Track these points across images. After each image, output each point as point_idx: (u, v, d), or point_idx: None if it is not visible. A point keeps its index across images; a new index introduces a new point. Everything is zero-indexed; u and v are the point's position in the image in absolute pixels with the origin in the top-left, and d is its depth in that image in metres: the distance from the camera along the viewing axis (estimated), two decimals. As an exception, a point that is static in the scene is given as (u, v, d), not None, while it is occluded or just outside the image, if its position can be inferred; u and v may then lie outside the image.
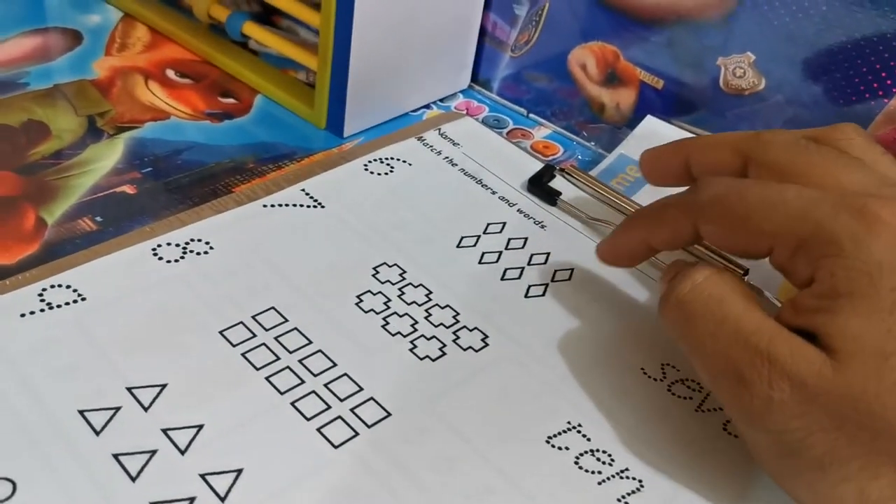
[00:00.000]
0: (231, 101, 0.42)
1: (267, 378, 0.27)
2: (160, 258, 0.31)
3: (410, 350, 0.29)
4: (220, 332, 0.28)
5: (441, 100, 0.45)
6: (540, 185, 0.37)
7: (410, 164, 0.38)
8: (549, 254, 0.33)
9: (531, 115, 0.45)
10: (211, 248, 0.31)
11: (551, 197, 0.36)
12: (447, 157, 0.38)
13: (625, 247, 0.29)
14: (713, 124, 0.41)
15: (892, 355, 0.21)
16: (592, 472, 0.25)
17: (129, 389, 0.26)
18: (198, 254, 0.31)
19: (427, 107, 0.45)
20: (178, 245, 0.31)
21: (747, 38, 0.38)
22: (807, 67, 0.37)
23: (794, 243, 0.23)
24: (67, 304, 0.28)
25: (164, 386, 0.26)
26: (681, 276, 0.25)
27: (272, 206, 0.34)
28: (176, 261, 0.31)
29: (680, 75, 0.40)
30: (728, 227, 0.25)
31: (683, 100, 0.41)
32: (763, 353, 0.22)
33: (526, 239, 0.34)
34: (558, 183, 0.37)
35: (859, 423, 0.21)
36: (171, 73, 0.43)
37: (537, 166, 0.38)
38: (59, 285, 0.29)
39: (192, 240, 0.32)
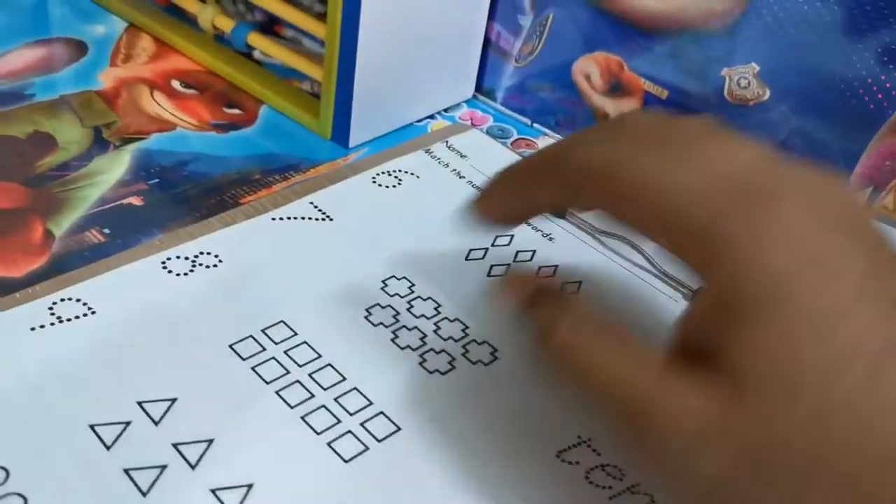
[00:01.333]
0: (236, 111, 0.42)
1: (277, 392, 0.27)
2: (170, 271, 0.31)
3: (420, 364, 0.29)
4: (230, 346, 0.28)
5: (445, 109, 0.45)
6: (546, 197, 0.37)
7: (418, 177, 0.38)
8: (556, 266, 0.34)
9: (535, 125, 0.45)
10: (220, 261, 0.31)
11: (558, 208, 0.36)
12: (455, 170, 0.38)
13: (501, 207, 0.24)
14: (718, 134, 0.41)
15: (796, 385, 0.18)
16: (603, 487, 0.25)
17: (139, 403, 0.26)
18: (207, 267, 0.31)
19: (431, 117, 0.45)
20: (187, 258, 0.31)
21: (751, 49, 0.38)
22: (811, 78, 0.37)
23: (683, 237, 0.20)
24: (78, 317, 0.28)
25: (174, 400, 0.26)
26: (544, 331, 0.22)
27: (281, 219, 0.34)
28: (186, 274, 0.31)
29: (684, 85, 0.41)
30: (610, 205, 0.21)
31: (688, 110, 0.41)
32: (647, 409, 0.19)
33: (534, 252, 0.34)
34: (564, 194, 0.37)
35: (772, 467, 0.18)
36: (176, 84, 0.43)
37: (543, 177, 0.38)
38: (70, 299, 0.29)
39: (202, 253, 0.32)
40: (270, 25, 0.46)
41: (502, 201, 0.24)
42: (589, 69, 0.43)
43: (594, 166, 0.21)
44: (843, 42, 0.36)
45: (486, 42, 0.45)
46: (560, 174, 0.22)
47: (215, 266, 0.31)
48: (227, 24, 0.44)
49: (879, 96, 0.36)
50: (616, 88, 0.43)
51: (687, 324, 0.21)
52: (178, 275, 0.31)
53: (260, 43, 0.43)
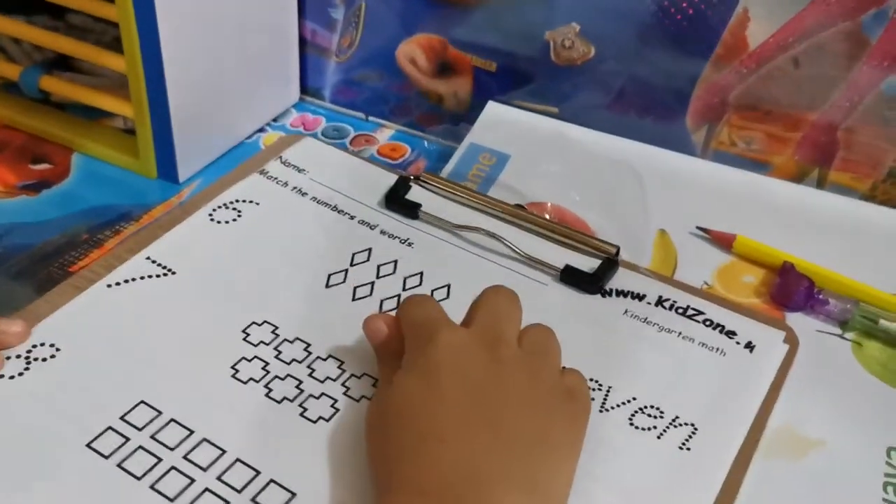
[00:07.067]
0: (45, 166, 0.38)
1: (152, 486, 0.25)
2: (1, 375, 0.27)
3: (301, 415, 0.27)
4: (88, 445, 0.25)
5: (274, 119, 0.43)
6: (398, 200, 0.35)
7: (258, 204, 0.35)
8: (422, 273, 0.32)
9: (370, 118, 0.44)
10: (58, 350, 0.28)
11: (412, 210, 0.35)
12: (295, 188, 0.36)
13: None
14: (552, 97, 0.40)
15: None
16: None
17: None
18: (44, 360, 0.28)
19: (262, 130, 0.42)
20: (19, 356, 0.28)
21: (570, 10, 0.38)
22: (632, 28, 0.37)
23: None
24: None
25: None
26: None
27: (118, 283, 0.31)
28: (20, 374, 0.27)
29: (511, 54, 0.40)
30: None
31: (519, 78, 0.40)
32: None
33: (396, 262, 0.33)
34: (416, 193, 0.36)
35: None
36: (-32, 150, 0.39)
37: (391, 179, 0.37)
38: None
39: (35, 346, 0.28)
40: (65, 59, 0.42)
41: None
42: (413, 53, 0.42)
43: None
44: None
45: (303, 42, 0.43)
46: None
47: (53, 357, 0.28)
48: (13, 71, 0.40)
49: (697, 45, 0.36)
50: (444, 69, 0.41)
51: None
52: (11, 377, 0.27)
53: (55, 86, 0.39)
